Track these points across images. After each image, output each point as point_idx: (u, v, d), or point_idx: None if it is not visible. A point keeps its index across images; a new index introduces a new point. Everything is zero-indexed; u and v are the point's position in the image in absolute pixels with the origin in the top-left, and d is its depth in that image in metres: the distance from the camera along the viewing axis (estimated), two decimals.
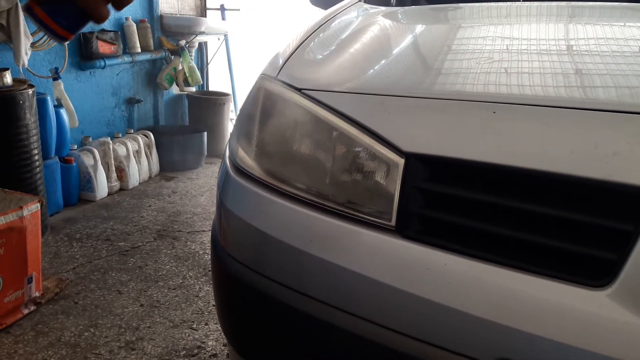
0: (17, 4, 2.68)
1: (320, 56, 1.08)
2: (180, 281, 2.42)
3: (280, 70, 1.05)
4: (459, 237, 0.74)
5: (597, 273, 0.65)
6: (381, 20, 1.24)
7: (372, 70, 0.98)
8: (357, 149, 0.87)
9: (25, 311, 2.07)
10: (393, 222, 0.79)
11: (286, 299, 0.89)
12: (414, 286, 0.74)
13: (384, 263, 0.78)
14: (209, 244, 2.85)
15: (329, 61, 1.05)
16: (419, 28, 1.21)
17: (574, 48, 0.94)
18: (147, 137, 3.93)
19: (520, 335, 0.66)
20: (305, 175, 0.93)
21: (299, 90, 0.97)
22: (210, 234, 2.93)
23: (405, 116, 0.84)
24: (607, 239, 0.65)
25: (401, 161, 0.79)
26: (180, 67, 4.34)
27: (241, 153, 1.05)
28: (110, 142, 3.53)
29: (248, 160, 1.02)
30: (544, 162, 0.69)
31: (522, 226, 0.70)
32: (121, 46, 3.75)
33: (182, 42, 4.37)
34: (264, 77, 1.09)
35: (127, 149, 3.65)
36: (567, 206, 0.68)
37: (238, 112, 1.21)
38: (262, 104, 1.04)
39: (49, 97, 2.91)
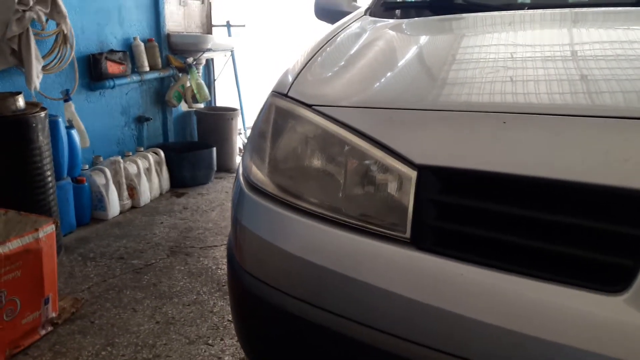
0: (28, 29, 2.73)
1: (330, 72, 1.10)
2: (195, 297, 2.43)
3: (290, 87, 1.07)
4: (475, 248, 0.74)
5: (613, 279, 0.65)
6: (388, 34, 1.25)
7: (381, 85, 0.99)
8: (369, 163, 0.88)
9: (43, 332, 2.08)
10: (408, 235, 0.80)
11: (304, 313, 0.90)
12: (431, 298, 0.75)
13: (401, 275, 0.78)
14: (222, 259, 2.88)
15: (339, 77, 1.06)
16: (426, 40, 1.22)
17: (580, 54, 0.94)
18: (157, 154, 3.96)
19: (539, 344, 0.67)
20: (318, 190, 0.94)
21: (309, 106, 0.98)
22: (222, 248, 2.96)
23: (416, 129, 0.85)
24: (622, 245, 0.65)
25: (414, 174, 0.80)
26: (188, 84, 4.38)
27: (254, 170, 1.06)
28: (121, 160, 3.56)
29: (261, 177, 1.04)
30: (556, 171, 0.70)
31: (537, 235, 0.70)
32: (130, 66, 3.80)
33: (190, 60, 4.42)
34: (274, 94, 1.10)
35: (138, 167, 3.68)
36: (580, 214, 0.68)
37: (248, 128, 1.23)
38: (274, 121, 1.06)
39: (60, 119, 2.94)
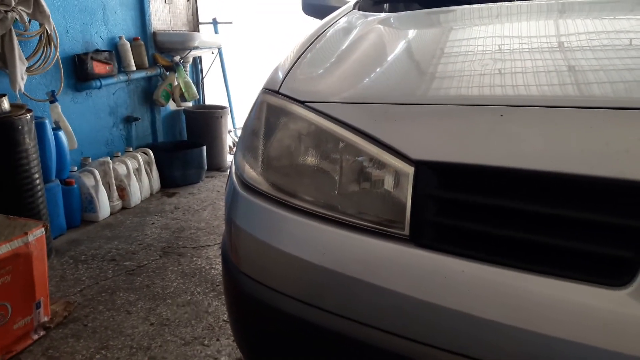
0: (10, 30, 2.68)
1: (321, 68, 1.08)
2: (189, 297, 2.41)
3: (281, 84, 1.05)
4: (475, 243, 0.73)
5: (616, 273, 0.65)
6: (378, 28, 1.24)
7: (374, 79, 0.98)
8: (364, 159, 0.86)
9: (35, 337, 2.06)
10: (406, 231, 0.79)
11: (301, 313, 0.89)
12: (432, 295, 0.74)
13: (400, 273, 0.77)
14: (215, 259, 2.86)
15: (331, 72, 1.04)
16: (417, 34, 1.21)
17: (577, 45, 0.93)
18: (146, 154, 3.93)
19: (543, 339, 0.66)
20: (314, 188, 0.93)
21: (302, 103, 0.97)
22: (215, 248, 2.94)
23: (412, 123, 0.84)
24: (625, 238, 0.64)
25: (411, 169, 0.79)
26: (176, 83, 4.34)
27: (247, 169, 1.05)
28: (110, 161, 3.52)
29: (255, 176, 1.02)
30: (555, 163, 0.68)
31: (538, 229, 0.69)
32: (116, 65, 3.76)
33: (177, 58, 4.38)
34: (265, 91, 1.09)
35: (127, 168, 3.64)
36: (581, 207, 0.67)
37: (239, 126, 1.21)
38: (266, 118, 1.04)
39: (47, 121, 2.90)
